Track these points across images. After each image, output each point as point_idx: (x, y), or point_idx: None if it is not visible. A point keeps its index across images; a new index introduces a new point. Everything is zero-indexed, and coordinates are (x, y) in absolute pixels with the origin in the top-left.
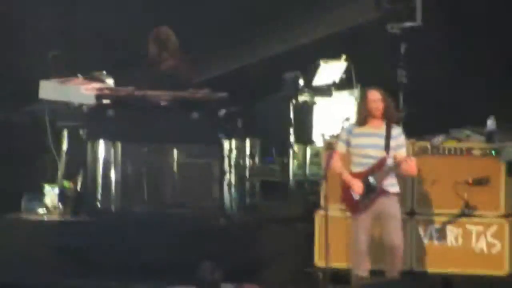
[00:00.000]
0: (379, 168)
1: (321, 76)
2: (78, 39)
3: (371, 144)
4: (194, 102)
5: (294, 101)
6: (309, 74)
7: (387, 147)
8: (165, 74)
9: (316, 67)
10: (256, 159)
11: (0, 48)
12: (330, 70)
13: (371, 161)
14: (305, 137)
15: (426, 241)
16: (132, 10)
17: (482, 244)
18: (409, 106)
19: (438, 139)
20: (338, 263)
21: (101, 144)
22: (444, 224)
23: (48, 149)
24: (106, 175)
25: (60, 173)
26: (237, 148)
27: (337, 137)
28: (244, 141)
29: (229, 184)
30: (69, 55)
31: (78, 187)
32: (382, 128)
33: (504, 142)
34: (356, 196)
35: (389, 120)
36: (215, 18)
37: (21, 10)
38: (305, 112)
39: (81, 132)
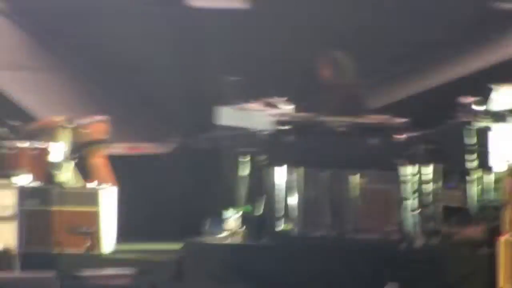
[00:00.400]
0: None
1: (499, 102)
2: (258, 64)
3: None
4: (374, 127)
5: (471, 126)
6: (486, 99)
7: None
8: (343, 100)
9: (493, 92)
10: (438, 185)
11: (180, 74)
12: (508, 95)
13: None
14: (484, 163)
15: None
16: (312, 35)
17: None
18: None
19: None
20: None
21: (281, 169)
22: None
23: (228, 174)
24: (286, 200)
25: (240, 198)
26: (418, 173)
27: None
28: (425, 166)
29: (411, 210)
30: (249, 81)
31: (259, 212)
32: None
33: None
34: None
35: None
36: (394, 44)
37: (201, 37)
38: (483, 138)
39: (259, 157)
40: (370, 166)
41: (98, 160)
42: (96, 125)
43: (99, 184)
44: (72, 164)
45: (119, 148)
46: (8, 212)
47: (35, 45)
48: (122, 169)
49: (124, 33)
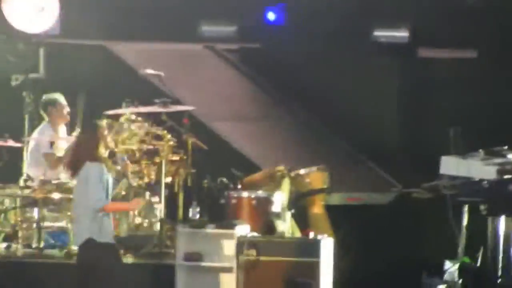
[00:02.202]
0: None
1: None
2: (482, 113)
3: None
4: None
5: None
6: None
7: None
8: None
9: None
10: None
11: (402, 124)
12: None
13: None
14: None
15: None
16: None
17: None
18: None
19: None
20: None
21: (502, 220)
22: None
23: (449, 224)
24: (507, 251)
25: (460, 249)
26: None
27: None
28: None
29: None
30: (472, 130)
31: (478, 263)
32: None
33: None
34: None
35: None
36: None
37: (426, 87)
38: None
39: (481, 207)
40: None
41: (317, 210)
42: (316, 174)
43: (318, 234)
44: (290, 214)
45: (339, 198)
46: (229, 262)
47: (258, 96)
48: (343, 219)
49: (344, 82)
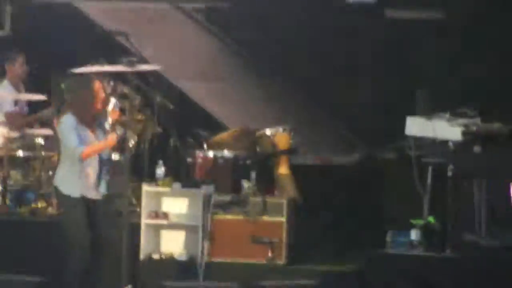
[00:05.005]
0: None
1: None
2: (444, 75)
3: None
4: None
5: None
6: None
7: None
8: None
9: None
10: None
11: (369, 84)
12: None
13: None
14: None
15: None
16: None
17: None
18: None
19: None
20: None
21: (466, 180)
22: None
23: (414, 185)
24: (471, 211)
25: (425, 209)
26: None
27: None
28: None
29: None
30: (435, 92)
31: (443, 223)
32: None
33: None
34: None
35: None
36: None
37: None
38: None
39: (446, 168)
40: None
41: (283, 171)
42: (282, 135)
43: (283, 194)
44: (255, 174)
45: (304, 159)
46: (194, 221)
47: (224, 55)
48: (307, 180)
49: (312, 42)
